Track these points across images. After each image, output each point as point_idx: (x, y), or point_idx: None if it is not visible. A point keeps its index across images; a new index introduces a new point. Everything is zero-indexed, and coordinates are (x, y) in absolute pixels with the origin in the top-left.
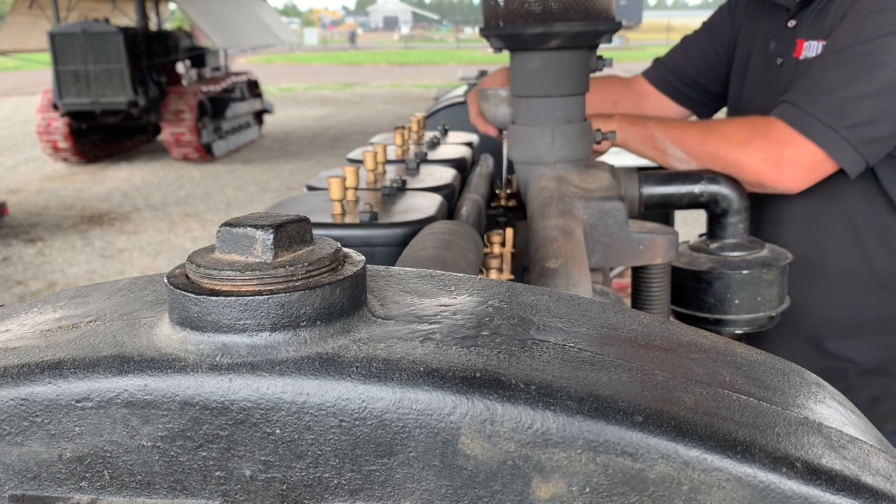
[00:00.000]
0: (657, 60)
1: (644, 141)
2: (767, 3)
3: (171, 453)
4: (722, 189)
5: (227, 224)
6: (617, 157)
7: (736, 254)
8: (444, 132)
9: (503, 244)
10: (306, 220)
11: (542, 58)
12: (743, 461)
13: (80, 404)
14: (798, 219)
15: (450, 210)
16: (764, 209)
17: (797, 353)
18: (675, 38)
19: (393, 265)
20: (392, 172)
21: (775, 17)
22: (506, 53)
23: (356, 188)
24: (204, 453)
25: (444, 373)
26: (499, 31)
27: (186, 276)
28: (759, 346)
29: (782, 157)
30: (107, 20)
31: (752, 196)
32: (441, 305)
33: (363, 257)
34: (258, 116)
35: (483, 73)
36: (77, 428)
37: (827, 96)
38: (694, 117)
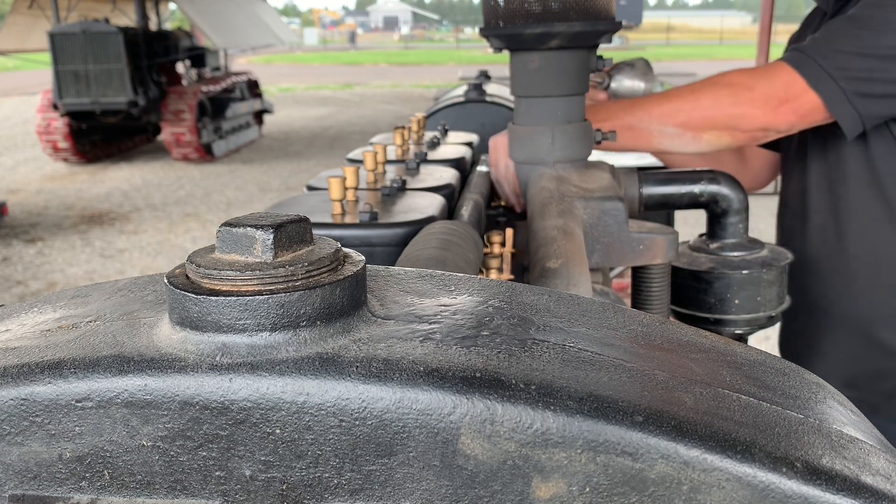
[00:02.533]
0: None
1: (622, 131)
2: (815, 10)
3: (171, 453)
4: (722, 189)
5: (227, 224)
6: (617, 157)
7: (736, 254)
8: (444, 132)
9: (503, 244)
10: (306, 220)
11: (541, 58)
12: (743, 461)
13: (80, 404)
14: (847, 209)
15: (450, 210)
16: (808, 198)
17: (849, 349)
18: (675, 38)
19: (393, 265)
20: (392, 172)
21: (817, 22)
22: (506, 53)
23: (356, 188)
24: (204, 453)
25: (444, 373)
26: (499, 31)
27: (186, 275)
28: (808, 343)
29: (785, 99)
30: (107, 20)
31: (799, 191)
32: (441, 305)
33: (363, 257)
34: (258, 116)
35: (483, 73)
36: (77, 428)
37: (833, 49)
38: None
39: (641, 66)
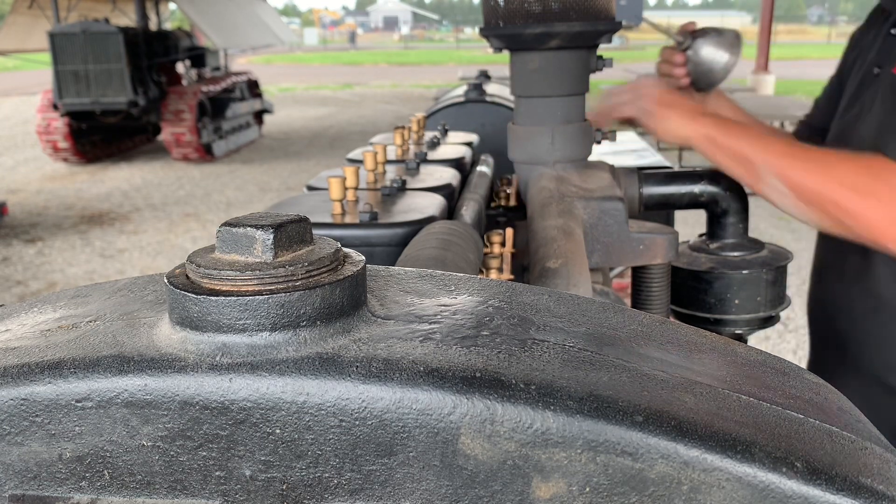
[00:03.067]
0: (801, 123)
1: (737, 159)
2: (879, 9)
3: (171, 453)
4: (722, 189)
5: (227, 224)
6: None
7: (736, 254)
8: (444, 132)
9: (503, 244)
10: (306, 219)
11: (542, 58)
12: (743, 461)
13: (80, 404)
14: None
15: (450, 210)
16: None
17: (870, 398)
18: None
19: (393, 265)
20: (392, 172)
21: (880, 22)
22: (506, 53)
23: (356, 188)
24: (204, 453)
25: (444, 373)
26: (499, 31)
27: (186, 275)
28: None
29: None
30: (107, 20)
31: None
32: (441, 305)
33: (363, 257)
34: (258, 116)
35: (483, 73)
36: (77, 428)
37: None
38: None
39: (730, 37)
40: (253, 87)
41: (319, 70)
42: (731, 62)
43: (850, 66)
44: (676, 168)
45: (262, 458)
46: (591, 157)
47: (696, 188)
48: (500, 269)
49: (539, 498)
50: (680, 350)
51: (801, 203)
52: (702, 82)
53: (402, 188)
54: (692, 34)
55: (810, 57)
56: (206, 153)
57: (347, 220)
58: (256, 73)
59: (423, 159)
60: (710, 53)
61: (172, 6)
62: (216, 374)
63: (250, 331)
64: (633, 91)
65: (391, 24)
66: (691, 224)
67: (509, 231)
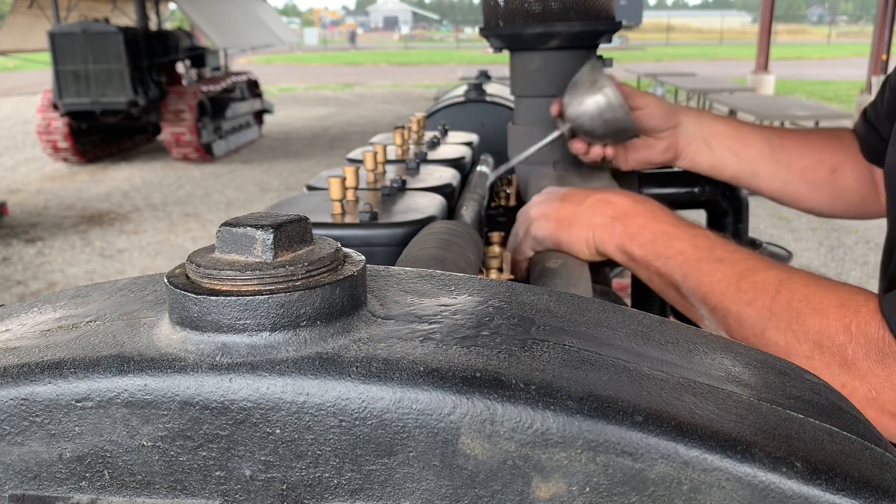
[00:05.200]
0: (864, 112)
1: (667, 287)
2: None
3: (171, 453)
4: (721, 189)
5: (226, 224)
6: None
7: None
8: (444, 132)
9: (503, 244)
10: (306, 219)
11: (541, 58)
12: (743, 461)
13: (80, 404)
14: None
15: (450, 210)
16: None
17: None
18: (675, 38)
19: (393, 265)
20: (392, 172)
21: None
22: (506, 53)
23: (356, 188)
24: (204, 453)
25: (444, 373)
26: (499, 31)
27: (186, 275)
28: None
29: (869, 376)
30: (107, 20)
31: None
32: (441, 305)
33: (363, 257)
34: (258, 116)
35: (483, 73)
36: (77, 428)
37: None
38: None
39: (584, 80)
40: (253, 87)
41: (319, 70)
42: (609, 95)
43: None
44: (676, 168)
45: (262, 458)
46: None
47: (696, 188)
48: (500, 269)
49: (539, 498)
50: (680, 350)
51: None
52: (619, 137)
53: (402, 188)
54: (560, 116)
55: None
56: (206, 153)
57: (347, 220)
58: (256, 73)
59: (423, 159)
60: (584, 112)
61: (172, 6)
62: (216, 374)
63: (250, 331)
64: (518, 223)
65: (391, 24)
66: None
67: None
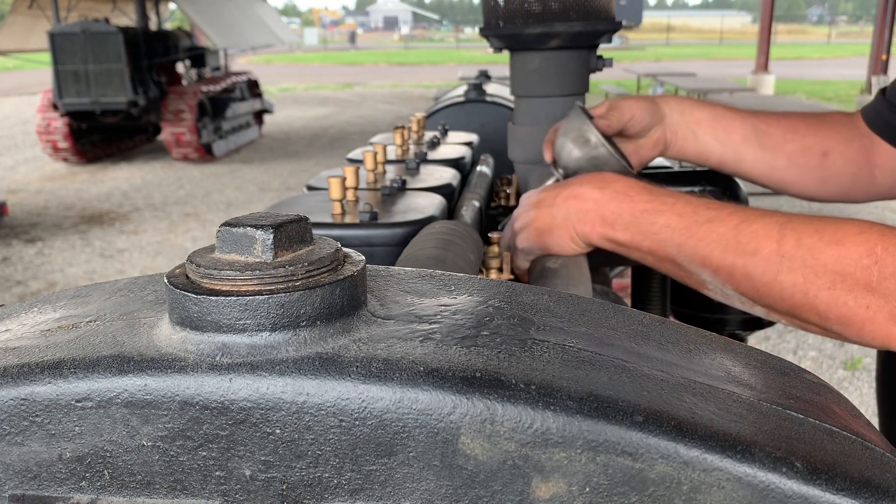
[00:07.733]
0: (881, 92)
1: (661, 262)
2: None
3: (171, 453)
4: (721, 189)
5: (226, 224)
6: None
7: None
8: (444, 132)
9: None
10: (306, 219)
11: (541, 58)
12: (743, 461)
13: (80, 404)
14: None
15: (450, 210)
16: None
17: None
18: (675, 38)
19: (393, 265)
20: (392, 172)
21: None
22: (506, 53)
23: (356, 188)
24: (204, 453)
25: (444, 373)
26: (499, 31)
27: (186, 275)
28: None
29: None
30: (107, 20)
31: None
32: (441, 305)
33: (363, 257)
34: (258, 116)
35: (483, 73)
36: (77, 428)
37: None
38: None
39: (571, 130)
40: (253, 87)
41: (319, 70)
42: (596, 146)
43: None
44: (676, 168)
45: (262, 458)
46: None
47: (696, 188)
48: (500, 269)
49: (539, 498)
50: (680, 350)
51: (767, 312)
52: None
53: (401, 188)
54: (553, 164)
55: (810, 57)
56: (206, 153)
57: (347, 220)
58: (256, 73)
59: (423, 159)
60: (575, 164)
61: (172, 6)
62: (216, 374)
63: (250, 331)
64: (503, 237)
65: (391, 24)
66: None
67: None
